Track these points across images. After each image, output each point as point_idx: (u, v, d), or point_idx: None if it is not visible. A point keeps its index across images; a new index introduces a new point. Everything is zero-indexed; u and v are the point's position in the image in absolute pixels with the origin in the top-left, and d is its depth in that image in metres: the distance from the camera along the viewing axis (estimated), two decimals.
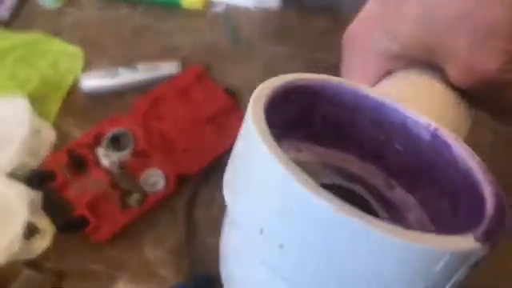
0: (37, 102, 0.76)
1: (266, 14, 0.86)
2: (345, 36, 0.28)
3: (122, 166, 0.73)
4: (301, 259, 0.13)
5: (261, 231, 0.14)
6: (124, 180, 0.72)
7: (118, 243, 0.70)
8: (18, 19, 0.86)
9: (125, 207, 0.71)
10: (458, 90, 0.26)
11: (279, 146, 0.17)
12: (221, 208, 0.78)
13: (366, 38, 0.27)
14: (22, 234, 0.62)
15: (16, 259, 0.64)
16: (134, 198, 0.71)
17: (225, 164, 0.19)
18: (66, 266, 0.69)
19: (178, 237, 0.71)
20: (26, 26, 0.85)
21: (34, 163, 0.71)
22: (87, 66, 0.82)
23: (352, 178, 0.19)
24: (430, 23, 0.24)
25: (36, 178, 0.69)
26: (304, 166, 0.19)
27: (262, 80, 0.73)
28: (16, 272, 0.65)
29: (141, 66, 0.80)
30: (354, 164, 0.19)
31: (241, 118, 0.78)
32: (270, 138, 0.15)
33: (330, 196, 0.13)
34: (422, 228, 0.18)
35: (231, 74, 0.82)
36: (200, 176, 0.74)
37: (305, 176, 0.13)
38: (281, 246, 0.13)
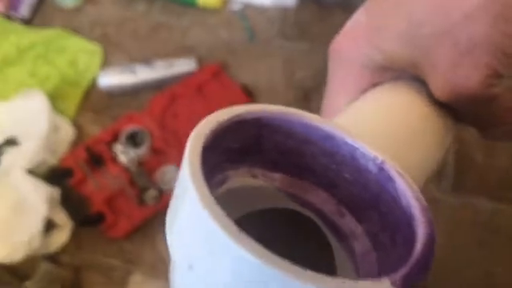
0: (56, 99, 0.78)
1: (282, 10, 0.86)
2: (330, 48, 0.28)
3: (139, 162, 0.74)
4: None
5: (190, 267, 0.15)
6: (141, 177, 0.73)
7: (134, 239, 0.71)
8: (37, 17, 0.87)
9: (141, 204, 0.72)
10: (442, 103, 0.26)
11: (235, 168, 0.18)
12: None
13: (351, 49, 0.27)
14: (41, 230, 0.63)
15: (35, 253, 0.65)
16: (151, 195, 0.72)
17: None
18: (84, 260, 0.70)
19: None
20: (46, 24, 0.86)
21: (52, 160, 0.72)
22: (105, 64, 0.83)
23: (305, 203, 0.19)
24: (414, 37, 0.24)
25: (54, 175, 0.70)
26: (258, 191, 0.19)
27: (281, 77, 0.73)
28: (35, 266, 0.66)
29: (158, 64, 0.80)
30: (307, 190, 0.20)
31: None
32: (201, 182, 0.15)
33: (253, 242, 0.14)
34: (365, 258, 0.18)
35: (248, 71, 0.82)
36: None
37: (231, 225, 0.14)
38: (207, 283, 0.14)
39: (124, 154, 0.74)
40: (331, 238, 0.19)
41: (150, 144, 0.74)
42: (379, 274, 0.17)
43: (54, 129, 0.72)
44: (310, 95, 0.79)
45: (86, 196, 0.71)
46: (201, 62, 0.82)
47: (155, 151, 0.75)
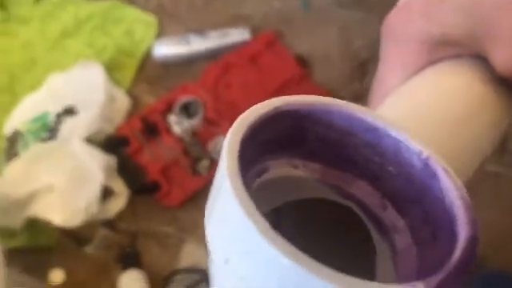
0: (112, 69, 0.79)
1: None
2: (384, 24, 0.26)
3: (193, 133, 0.75)
4: None
5: (226, 261, 0.15)
6: (194, 147, 0.74)
7: (188, 207, 0.72)
8: None
9: (194, 173, 0.72)
10: (502, 81, 0.24)
11: (276, 159, 0.18)
12: None
13: (406, 24, 0.25)
14: (99, 197, 0.65)
15: (93, 219, 0.67)
16: (204, 165, 0.73)
17: None
18: (139, 227, 0.72)
19: None
20: None
21: (109, 129, 0.73)
22: (160, 34, 0.83)
23: (347, 195, 0.19)
24: (476, 7, 0.23)
25: (111, 144, 0.72)
26: (298, 181, 0.19)
27: (337, 47, 0.71)
28: (93, 231, 0.69)
29: (212, 34, 0.80)
30: (349, 182, 0.19)
31: (312, 87, 0.78)
32: (238, 178, 0.15)
33: (285, 243, 0.14)
34: (406, 252, 0.18)
35: (303, 41, 0.80)
36: None
37: (265, 224, 0.14)
38: (241, 278, 0.14)
39: (178, 125, 0.75)
40: (373, 230, 0.19)
41: (204, 114, 0.74)
42: (419, 269, 0.17)
43: (111, 99, 0.74)
44: (367, 66, 0.77)
45: (142, 165, 0.72)
46: (255, 31, 0.80)
47: (208, 121, 0.75)
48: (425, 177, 0.18)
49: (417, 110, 0.23)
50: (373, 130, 0.18)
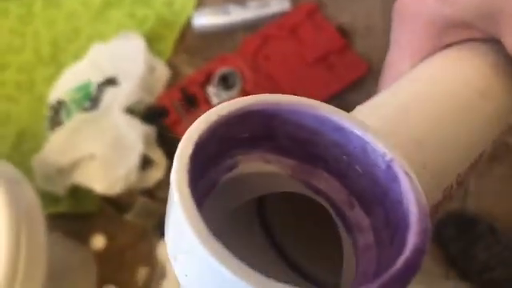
0: (152, 40, 0.79)
1: None
2: (395, 6, 0.26)
3: None
4: None
5: (175, 259, 0.16)
6: None
7: None
8: None
9: None
10: None
11: (247, 153, 0.19)
12: None
13: (417, 6, 0.25)
14: (138, 165, 0.66)
15: (133, 188, 0.69)
16: None
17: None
18: None
19: None
20: None
21: (149, 100, 0.74)
22: (199, 4, 0.83)
23: (318, 191, 0.19)
24: None
25: (151, 114, 0.73)
26: (271, 177, 0.19)
27: (380, 19, 0.68)
28: (133, 199, 0.70)
29: (251, 4, 0.79)
30: (320, 178, 0.20)
31: (353, 59, 0.76)
32: (184, 187, 0.16)
33: (216, 244, 0.15)
34: (366, 253, 0.18)
35: (345, 11, 0.78)
36: None
37: (200, 225, 0.15)
38: (186, 275, 0.16)
39: (216, 96, 0.75)
40: (342, 229, 0.19)
41: (242, 86, 0.74)
42: (376, 271, 0.17)
43: (151, 69, 0.75)
44: None
45: (181, 135, 0.73)
46: (295, 1, 0.79)
47: (246, 93, 0.74)
48: (387, 179, 0.18)
49: (418, 98, 0.23)
50: (340, 129, 0.19)
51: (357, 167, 0.19)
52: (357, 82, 0.73)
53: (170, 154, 0.72)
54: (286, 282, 0.14)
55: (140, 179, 0.69)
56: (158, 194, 0.73)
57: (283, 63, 0.75)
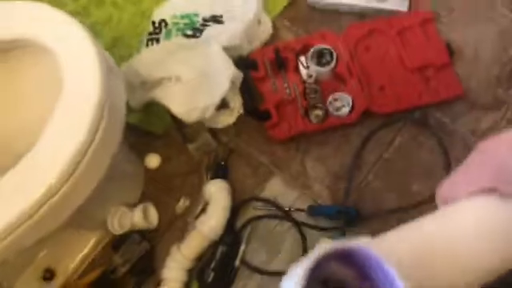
0: None
1: None
2: (479, 143, 0.32)
3: (318, 81, 0.76)
4: None
5: None
6: (314, 94, 0.75)
7: (287, 146, 0.75)
8: None
9: (305, 118, 0.74)
10: None
11: None
12: (394, 156, 0.76)
13: (495, 151, 0.30)
14: (217, 103, 0.68)
15: (203, 123, 0.71)
16: (316, 113, 0.74)
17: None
18: (238, 146, 0.75)
19: (342, 163, 0.73)
20: None
21: (246, 49, 0.76)
22: None
23: None
24: None
25: (242, 63, 0.74)
26: None
27: (491, 47, 0.69)
28: (199, 132, 0.72)
29: None
30: None
31: (452, 80, 0.78)
32: None
33: None
34: None
35: (458, 31, 0.77)
36: (393, 120, 0.74)
37: None
38: None
39: (306, 68, 0.76)
40: None
41: (334, 67, 0.75)
42: None
43: (257, 21, 0.76)
44: None
45: (262, 92, 0.75)
46: (415, 5, 0.79)
47: (336, 75, 0.76)
48: None
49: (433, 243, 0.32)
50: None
51: None
52: (445, 102, 0.73)
53: (246, 105, 0.74)
54: None
55: (212, 118, 0.71)
56: (221, 138, 0.75)
57: (381, 59, 0.76)
